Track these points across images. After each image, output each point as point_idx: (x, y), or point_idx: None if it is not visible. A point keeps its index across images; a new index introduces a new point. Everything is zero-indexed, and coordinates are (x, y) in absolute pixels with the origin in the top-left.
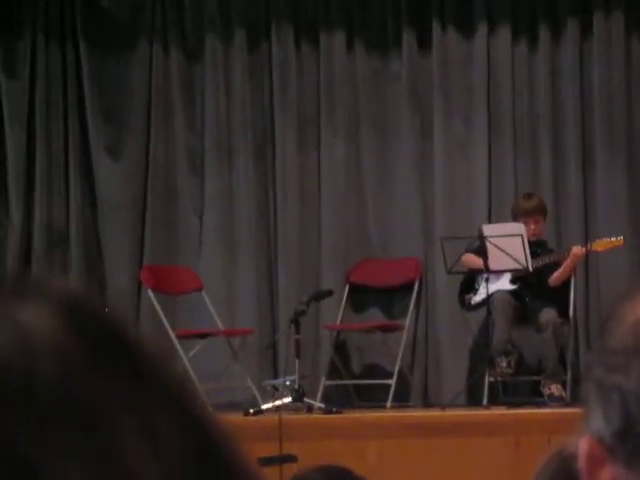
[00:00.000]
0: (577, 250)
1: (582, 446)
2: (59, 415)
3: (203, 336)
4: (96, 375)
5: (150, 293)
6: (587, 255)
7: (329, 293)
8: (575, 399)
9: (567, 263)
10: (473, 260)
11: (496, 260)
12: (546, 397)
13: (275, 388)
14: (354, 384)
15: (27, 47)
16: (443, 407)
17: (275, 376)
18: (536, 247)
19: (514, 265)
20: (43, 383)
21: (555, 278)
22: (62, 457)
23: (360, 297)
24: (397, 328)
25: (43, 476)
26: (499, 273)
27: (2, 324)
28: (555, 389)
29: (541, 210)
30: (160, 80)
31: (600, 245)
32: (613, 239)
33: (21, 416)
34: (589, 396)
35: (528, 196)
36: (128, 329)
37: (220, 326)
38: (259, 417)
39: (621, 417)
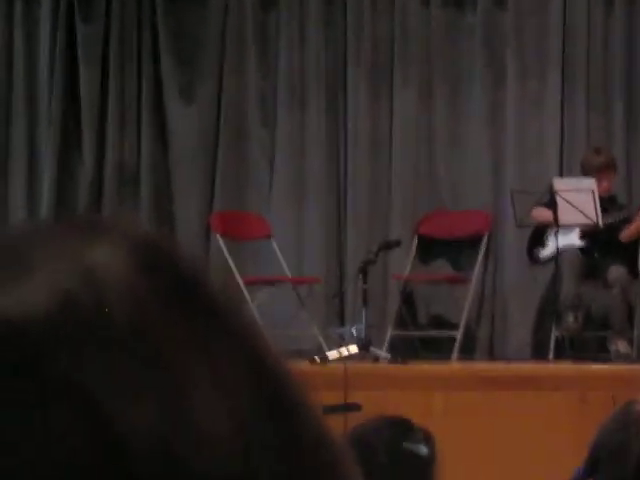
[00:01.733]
0: None
1: None
2: (128, 354)
3: (271, 283)
4: (168, 318)
5: (219, 238)
6: None
7: (397, 243)
8: None
9: (638, 220)
10: (543, 214)
11: (566, 214)
12: (612, 353)
13: (342, 337)
14: (420, 335)
15: None
16: (509, 360)
17: (342, 325)
18: (607, 203)
19: (584, 220)
20: (114, 321)
21: (626, 234)
22: (129, 396)
23: (428, 248)
24: (465, 281)
25: (107, 413)
26: (569, 228)
27: (74, 262)
28: (622, 345)
29: (611, 165)
30: (235, 27)
31: None
32: None
33: (90, 351)
34: None
35: (597, 151)
36: (202, 273)
37: (288, 274)
38: (325, 366)
39: None
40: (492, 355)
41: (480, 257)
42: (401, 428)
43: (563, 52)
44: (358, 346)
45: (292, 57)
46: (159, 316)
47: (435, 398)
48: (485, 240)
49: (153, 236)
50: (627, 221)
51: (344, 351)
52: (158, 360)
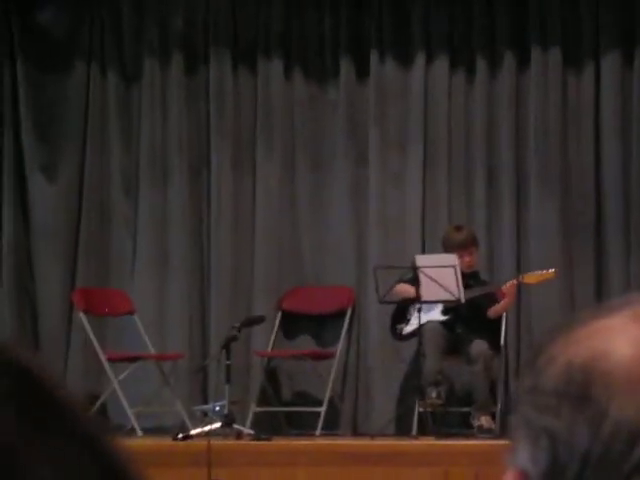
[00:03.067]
0: (508, 287)
1: (507, 479)
2: None
3: (134, 360)
4: (20, 432)
5: (81, 315)
6: (519, 288)
7: (261, 319)
8: (504, 431)
9: (507, 299)
10: (406, 290)
11: (429, 291)
12: (475, 429)
13: (205, 413)
14: (284, 411)
15: None
16: (372, 436)
17: (205, 401)
18: (469, 279)
19: (446, 296)
20: None
21: (493, 312)
22: None
23: (292, 324)
24: (328, 356)
25: None
26: (431, 304)
27: None
28: (485, 421)
29: (472, 242)
30: (97, 102)
31: (531, 278)
32: (545, 272)
33: None
34: (517, 431)
35: (457, 228)
36: (56, 386)
37: (151, 350)
38: (188, 442)
39: (549, 461)
40: (356, 430)
41: (343, 332)
42: None
43: (425, 127)
44: (222, 422)
45: (154, 130)
46: (11, 431)
47: (299, 474)
48: (348, 315)
49: (9, 352)
50: (489, 296)
51: (207, 427)
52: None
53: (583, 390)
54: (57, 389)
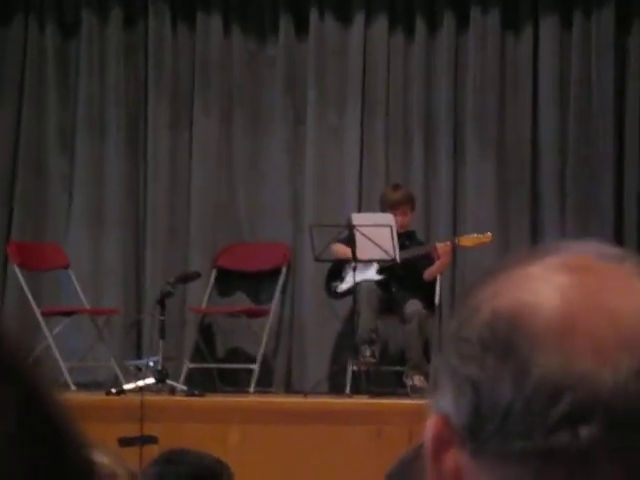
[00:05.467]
0: (443, 247)
1: (429, 425)
2: None
3: (68, 314)
4: None
5: (16, 269)
6: (454, 249)
7: (196, 275)
8: None
9: (442, 261)
10: (342, 250)
11: (364, 250)
12: (409, 388)
13: (138, 368)
14: (218, 368)
15: None
16: (306, 394)
17: (139, 357)
18: (405, 239)
19: (382, 255)
20: None
21: (429, 274)
22: None
23: (227, 281)
24: (263, 313)
25: None
26: (367, 263)
27: None
28: (418, 380)
29: (408, 201)
30: (35, 55)
31: (467, 240)
32: (481, 235)
33: None
34: (441, 378)
35: (394, 187)
36: None
37: (85, 304)
38: (121, 397)
39: (471, 412)
40: (289, 388)
41: (278, 290)
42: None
43: (363, 86)
44: (155, 378)
45: (92, 85)
46: None
47: (232, 431)
48: (284, 273)
49: None
50: (425, 257)
51: (140, 383)
52: None
53: (507, 342)
54: None
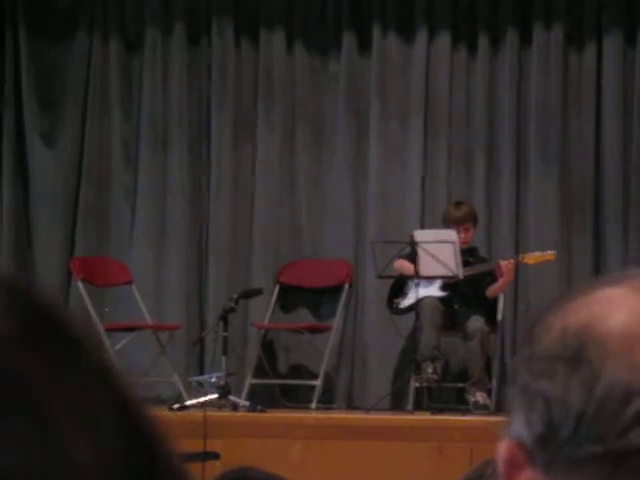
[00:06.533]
0: (506, 265)
1: (501, 449)
2: None
3: (131, 329)
4: (29, 358)
5: (79, 284)
6: (517, 266)
7: (259, 291)
8: (499, 408)
9: (505, 278)
10: (404, 265)
11: (427, 266)
12: (471, 405)
13: (201, 384)
14: (280, 384)
15: None
16: (367, 410)
17: (201, 372)
18: (468, 255)
19: (444, 272)
20: None
21: (493, 290)
22: None
23: (290, 297)
24: (325, 329)
25: None
26: (429, 279)
27: None
28: (480, 397)
29: (471, 218)
30: (98, 70)
31: (531, 258)
32: (545, 253)
33: None
34: (513, 401)
35: (458, 204)
36: (63, 313)
37: (148, 320)
38: (184, 413)
39: (543, 422)
40: (351, 404)
41: (340, 306)
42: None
43: (425, 102)
44: (217, 394)
45: (155, 100)
46: (20, 358)
47: (293, 447)
48: (346, 289)
49: (15, 278)
50: (488, 274)
51: (203, 399)
52: (17, 396)
53: (577, 351)
54: (70, 324)
